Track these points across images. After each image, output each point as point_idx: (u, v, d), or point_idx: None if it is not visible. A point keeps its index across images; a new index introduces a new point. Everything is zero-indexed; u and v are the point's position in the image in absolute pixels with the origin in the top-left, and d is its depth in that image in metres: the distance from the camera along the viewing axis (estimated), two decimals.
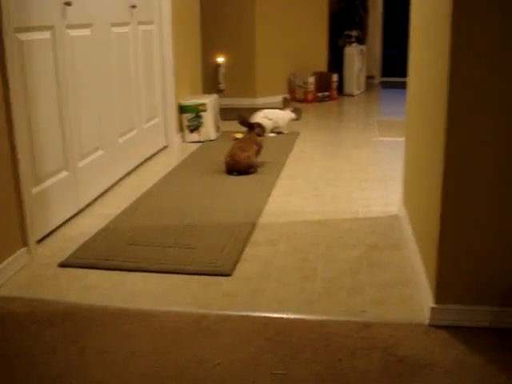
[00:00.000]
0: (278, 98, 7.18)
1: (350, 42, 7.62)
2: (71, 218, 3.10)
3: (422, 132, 2.42)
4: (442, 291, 2.00)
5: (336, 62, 7.71)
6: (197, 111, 4.90)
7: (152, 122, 4.47)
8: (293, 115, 5.25)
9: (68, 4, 2.98)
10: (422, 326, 2.02)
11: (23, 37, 2.62)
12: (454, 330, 1.99)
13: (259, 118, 5.00)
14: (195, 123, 4.92)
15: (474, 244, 1.94)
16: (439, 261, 1.97)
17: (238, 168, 3.83)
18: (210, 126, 4.93)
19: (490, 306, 1.99)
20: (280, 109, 5.24)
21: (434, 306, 2.01)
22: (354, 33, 7.76)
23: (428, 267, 2.15)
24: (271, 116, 5.11)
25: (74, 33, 3.10)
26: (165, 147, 4.76)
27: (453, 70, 1.82)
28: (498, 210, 1.90)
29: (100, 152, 3.48)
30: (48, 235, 2.87)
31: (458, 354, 1.86)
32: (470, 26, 1.78)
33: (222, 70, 6.92)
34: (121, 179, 3.83)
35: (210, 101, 4.95)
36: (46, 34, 2.83)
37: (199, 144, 4.85)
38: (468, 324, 2.00)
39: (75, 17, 3.11)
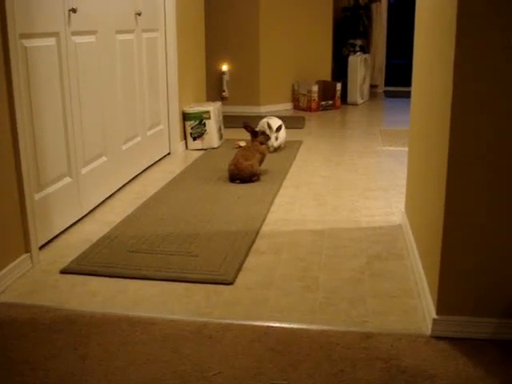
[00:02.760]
0: (282, 106, 7.21)
1: (354, 51, 7.64)
2: (73, 224, 3.10)
3: (425, 142, 2.42)
4: (444, 302, 1.99)
5: (340, 70, 7.73)
6: (200, 119, 4.90)
7: (155, 129, 4.48)
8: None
9: (73, 11, 2.99)
10: (423, 337, 2.01)
11: (28, 43, 2.63)
12: (455, 341, 1.98)
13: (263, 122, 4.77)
14: (198, 131, 4.93)
15: (476, 256, 1.94)
16: (441, 272, 1.97)
17: (241, 176, 3.83)
18: (213, 134, 4.94)
19: (491, 317, 1.98)
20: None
21: (435, 317, 2.01)
22: (358, 42, 7.78)
23: (430, 278, 2.14)
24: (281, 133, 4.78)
25: (78, 39, 3.10)
26: (168, 154, 4.77)
27: (456, 80, 1.82)
28: (501, 221, 1.90)
29: (103, 158, 3.49)
30: (50, 241, 2.87)
31: (459, 365, 1.85)
32: (473, 35, 1.78)
33: (225, 78, 6.93)
34: (124, 186, 3.84)
35: (213, 108, 4.96)
36: (51, 41, 2.84)
37: (202, 151, 4.85)
38: (470, 335, 1.99)
39: (80, 24, 3.12)
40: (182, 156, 4.76)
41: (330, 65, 7.48)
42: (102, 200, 3.48)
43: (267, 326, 2.09)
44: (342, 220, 3.19)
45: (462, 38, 1.79)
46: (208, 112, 4.91)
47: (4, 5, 2.32)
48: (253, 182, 3.86)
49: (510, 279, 1.94)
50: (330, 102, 7.15)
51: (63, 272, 2.55)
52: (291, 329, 2.08)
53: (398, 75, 9.03)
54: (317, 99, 7.02)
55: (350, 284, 2.43)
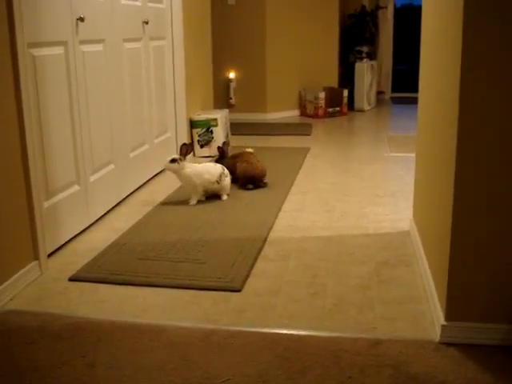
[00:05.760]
0: (289, 113, 7.22)
1: (361, 58, 7.64)
2: (82, 232, 3.11)
3: (432, 148, 2.41)
4: (453, 308, 1.99)
5: (347, 77, 7.73)
6: (208, 126, 4.92)
7: (163, 137, 4.49)
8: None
9: (81, 20, 3.01)
10: (432, 344, 2.00)
11: (36, 52, 2.65)
12: (464, 347, 1.97)
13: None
14: (206, 138, 4.94)
15: (485, 261, 1.93)
16: (449, 278, 1.96)
17: (253, 173, 3.83)
18: (220, 141, 4.94)
19: (500, 323, 1.97)
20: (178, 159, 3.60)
21: (444, 323, 2.00)
22: (365, 48, 7.78)
23: (438, 284, 2.13)
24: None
25: (86, 48, 3.12)
26: None
27: (464, 85, 1.82)
28: (510, 227, 1.89)
29: (111, 166, 3.50)
30: (59, 249, 2.87)
31: (468, 372, 1.84)
32: (480, 40, 1.78)
33: (232, 85, 6.95)
34: (131, 193, 3.85)
35: (220, 116, 4.97)
36: (59, 50, 2.86)
37: (210, 159, 4.85)
38: (479, 342, 1.98)
39: (88, 32, 3.14)
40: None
41: (336, 71, 7.49)
42: (110, 207, 3.48)
43: (275, 333, 2.09)
44: (350, 226, 3.19)
45: (468, 44, 1.79)
46: (215, 119, 4.93)
47: (12, 14, 2.34)
48: (261, 187, 3.87)
49: None
50: (337, 109, 7.15)
51: (72, 279, 2.56)
52: (299, 335, 2.08)
53: (404, 81, 9.02)
54: (324, 106, 7.03)
55: (358, 290, 2.42)
